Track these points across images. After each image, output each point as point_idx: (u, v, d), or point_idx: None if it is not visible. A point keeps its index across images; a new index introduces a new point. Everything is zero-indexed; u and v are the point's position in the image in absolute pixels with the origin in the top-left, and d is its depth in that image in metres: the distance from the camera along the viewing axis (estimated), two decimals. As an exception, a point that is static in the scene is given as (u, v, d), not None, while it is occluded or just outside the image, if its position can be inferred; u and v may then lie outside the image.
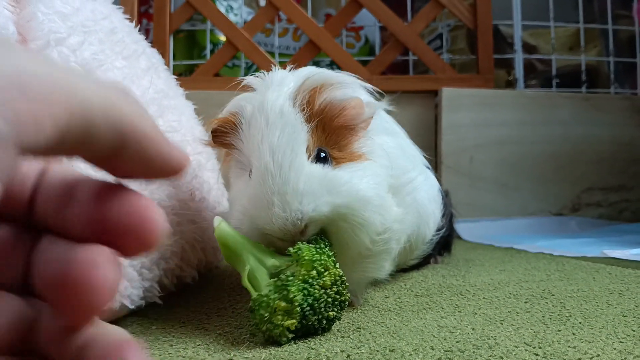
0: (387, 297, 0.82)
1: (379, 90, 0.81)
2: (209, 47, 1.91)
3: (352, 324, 0.66)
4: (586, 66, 1.97)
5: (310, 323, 0.59)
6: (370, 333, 0.62)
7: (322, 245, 0.64)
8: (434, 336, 0.59)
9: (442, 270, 1.05)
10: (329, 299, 0.60)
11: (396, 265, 0.86)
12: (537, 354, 0.52)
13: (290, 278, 0.58)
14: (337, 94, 0.69)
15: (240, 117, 0.70)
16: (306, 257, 0.59)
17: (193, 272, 0.84)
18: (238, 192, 0.71)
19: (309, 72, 0.73)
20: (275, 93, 0.69)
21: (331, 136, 0.69)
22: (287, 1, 1.77)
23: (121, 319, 0.67)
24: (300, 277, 0.59)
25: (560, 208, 1.85)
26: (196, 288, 0.87)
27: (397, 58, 1.88)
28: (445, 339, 0.58)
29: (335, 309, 0.61)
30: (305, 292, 0.58)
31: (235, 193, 0.73)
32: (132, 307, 0.65)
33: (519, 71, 1.89)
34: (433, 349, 0.55)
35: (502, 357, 0.52)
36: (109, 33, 0.70)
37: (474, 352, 0.53)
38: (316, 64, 2.01)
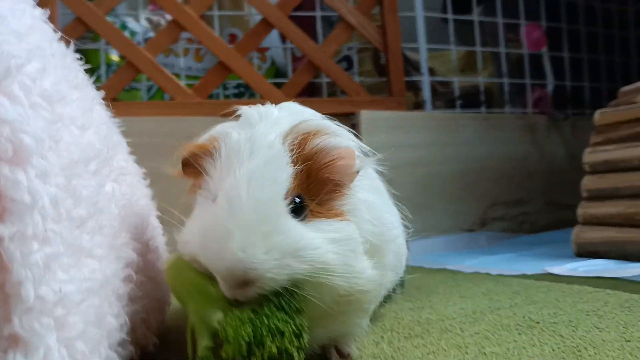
0: (378, 343, 0.76)
1: (369, 149, 0.73)
2: (103, 68, 1.73)
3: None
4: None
5: None
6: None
7: (282, 302, 0.57)
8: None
9: (404, 303, 1.01)
10: None
11: None
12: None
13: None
14: (331, 141, 0.64)
15: (222, 142, 0.63)
16: (230, 338, 0.54)
17: (154, 338, 0.71)
18: (196, 217, 0.64)
19: (307, 116, 0.69)
20: (268, 127, 0.64)
21: (314, 186, 0.63)
22: (194, 20, 1.65)
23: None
24: (224, 357, 0.54)
25: (471, 224, 1.91)
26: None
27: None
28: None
29: None
30: None
31: (192, 219, 0.64)
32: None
33: (426, 93, 1.94)
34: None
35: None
36: (62, 57, 0.57)
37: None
38: (224, 86, 1.90)
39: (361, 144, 0.72)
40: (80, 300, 0.46)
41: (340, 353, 0.69)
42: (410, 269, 1.42)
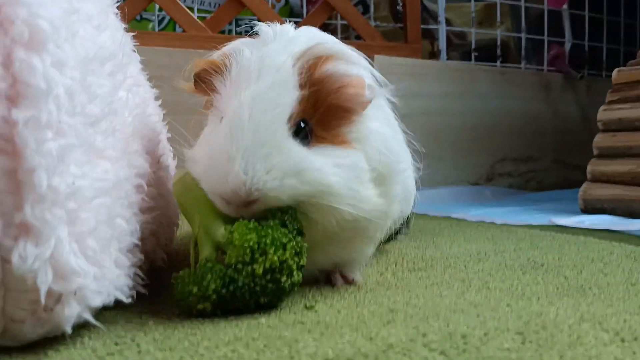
0: (382, 273, 0.76)
1: (385, 80, 0.73)
2: (115, -4, 1.69)
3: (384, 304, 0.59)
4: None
5: (231, 307, 0.56)
6: (418, 309, 0.55)
7: (286, 220, 0.58)
8: (483, 316, 0.54)
9: (409, 242, 1.02)
10: (257, 288, 0.55)
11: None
12: (606, 330, 0.49)
13: (209, 265, 0.56)
14: (342, 68, 0.63)
15: (234, 60, 0.63)
16: (236, 242, 0.55)
17: (162, 253, 0.71)
18: (204, 137, 0.65)
19: (322, 39, 0.67)
20: (281, 48, 0.63)
21: (321, 112, 0.63)
22: (209, -49, 1.60)
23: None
24: (227, 262, 0.56)
25: (477, 178, 1.91)
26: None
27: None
28: (498, 318, 0.53)
29: (268, 297, 0.56)
30: (227, 279, 0.55)
31: (201, 139, 0.66)
32: (127, 300, 0.52)
33: (442, 43, 1.90)
34: (499, 330, 0.49)
35: (579, 337, 0.48)
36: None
37: (551, 333, 0.49)
38: (237, 22, 1.87)
39: (376, 73, 0.71)
40: (93, 197, 0.46)
41: (345, 279, 0.70)
42: (415, 216, 1.43)
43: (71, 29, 0.45)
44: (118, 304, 0.52)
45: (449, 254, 0.89)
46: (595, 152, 1.44)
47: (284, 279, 0.56)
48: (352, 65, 0.65)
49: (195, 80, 0.66)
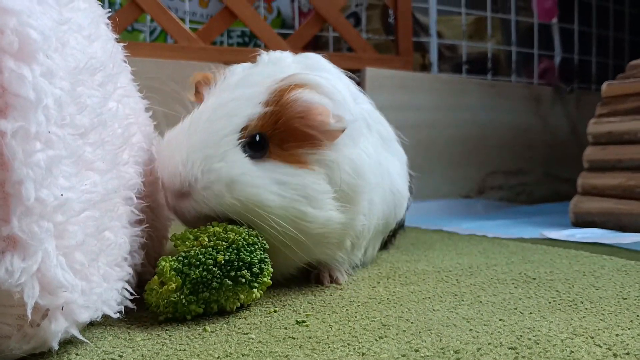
0: (374, 287, 0.75)
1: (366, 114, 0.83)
2: (106, 6, 1.68)
3: (375, 321, 0.58)
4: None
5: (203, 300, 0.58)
6: (411, 323, 0.55)
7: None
8: (475, 331, 0.54)
9: (400, 255, 1.01)
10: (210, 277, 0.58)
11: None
12: (598, 345, 0.49)
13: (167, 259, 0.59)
14: (310, 96, 0.69)
15: (224, 74, 0.72)
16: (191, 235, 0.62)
17: (151, 267, 0.70)
18: (170, 130, 0.71)
19: (305, 67, 0.76)
20: (266, 71, 0.73)
21: (281, 132, 0.68)
22: (202, -38, 1.60)
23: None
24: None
25: (468, 191, 1.91)
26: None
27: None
28: (490, 333, 0.53)
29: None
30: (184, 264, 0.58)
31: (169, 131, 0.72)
32: (115, 315, 0.51)
33: (433, 55, 1.91)
34: (492, 345, 0.49)
35: (572, 352, 0.47)
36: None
37: (544, 348, 0.48)
38: (229, 33, 1.86)
39: (352, 108, 0.77)
40: (81, 210, 0.45)
41: (331, 278, 0.78)
42: (407, 229, 1.43)
43: (61, 39, 0.45)
44: (106, 318, 0.51)
45: (441, 267, 0.89)
46: (585, 165, 1.45)
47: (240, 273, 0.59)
48: (322, 96, 0.70)
49: (195, 90, 0.76)
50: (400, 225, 1.07)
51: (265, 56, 0.78)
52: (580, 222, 1.40)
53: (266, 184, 0.65)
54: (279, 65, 0.75)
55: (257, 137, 0.66)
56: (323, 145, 0.70)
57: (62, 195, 0.43)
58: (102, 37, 0.57)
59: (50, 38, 0.42)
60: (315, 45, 2.00)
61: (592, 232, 1.27)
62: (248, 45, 1.93)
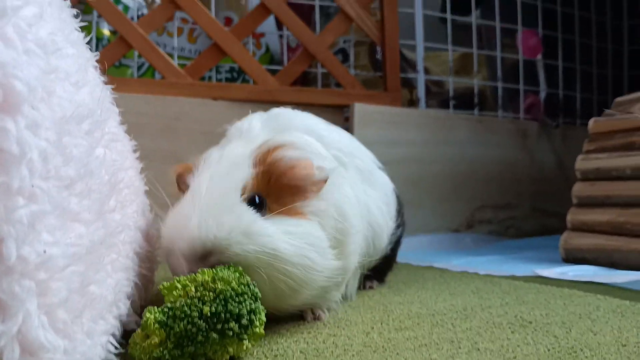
0: (368, 333, 0.73)
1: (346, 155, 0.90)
2: (94, 42, 1.68)
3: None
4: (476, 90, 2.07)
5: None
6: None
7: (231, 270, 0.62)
8: (476, 386, 0.52)
9: (393, 297, 0.99)
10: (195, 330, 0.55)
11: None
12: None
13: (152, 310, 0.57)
14: (289, 153, 0.74)
15: (202, 160, 0.76)
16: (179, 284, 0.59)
17: (137, 316, 0.67)
18: (171, 209, 0.74)
19: (277, 126, 0.85)
20: (243, 143, 0.79)
21: (275, 190, 0.73)
22: (191, 0, 1.61)
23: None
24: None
25: (457, 225, 1.90)
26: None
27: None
28: (492, 389, 0.51)
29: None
30: (169, 317, 0.56)
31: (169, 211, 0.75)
32: (98, 374, 0.49)
33: (421, 91, 1.92)
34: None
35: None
36: (59, 9, 0.53)
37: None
38: (217, 69, 1.87)
39: (327, 157, 0.83)
40: (65, 266, 0.43)
41: (313, 315, 0.81)
42: (397, 266, 1.41)
43: (48, 88, 0.43)
44: (89, 377, 0.49)
45: (434, 310, 0.87)
46: (574, 200, 1.45)
47: (228, 325, 0.56)
48: (300, 150, 0.76)
49: (177, 183, 0.79)
50: (386, 258, 1.07)
51: (234, 129, 0.86)
52: (571, 258, 1.40)
53: (277, 233, 0.68)
54: (251, 135, 0.82)
55: (256, 199, 0.71)
56: (312, 196, 0.75)
57: (45, 251, 0.40)
58: (90, 83, 0.55)
59: (36, 88, 0.40)
60: (303, 80, 2.01)
61: (584, 269, 1.26)
62: (237, 80, 1.94)
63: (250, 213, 0.68)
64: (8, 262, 0.38)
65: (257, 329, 0.59)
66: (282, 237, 0.68)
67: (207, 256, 0.65)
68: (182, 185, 0.77)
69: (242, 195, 0.70)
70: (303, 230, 0.71)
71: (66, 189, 0.45)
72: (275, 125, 0.85)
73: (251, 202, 0.70)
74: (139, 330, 0.56)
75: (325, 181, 0.76)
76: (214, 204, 0.67)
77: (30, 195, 0.39)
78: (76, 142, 0.47)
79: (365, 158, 1.00)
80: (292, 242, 0.69)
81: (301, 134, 0.84)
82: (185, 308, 0.55)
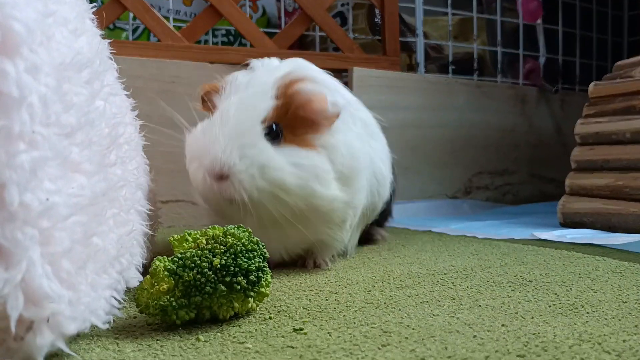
0: (370, 290, 0.73)
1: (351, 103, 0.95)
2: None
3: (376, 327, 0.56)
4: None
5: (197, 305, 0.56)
6: (412, 329, 0.53)
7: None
8: (480, 337, 0.52)
9: (393, 258, 0.99)
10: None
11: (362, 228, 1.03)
12: (607, 352, 0.47)
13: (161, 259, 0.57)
14: (309, 87, 0.81)
15: (229, 82, 0.83)
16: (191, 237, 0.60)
17: (138, 273, 0.67)
18: (199, 125, 0.82)
19: (296, 66, 0.88)
20: (266, 72, 0.84)
21: (292, 120, 0.80)
22: (186, -41, 1.57)
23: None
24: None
25: (455, 191, 1.90)
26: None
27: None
28: (496, 340, 0.51)
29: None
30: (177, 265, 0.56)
31: (197, 127, 0.82)
32: (104, 326, 0.48)
33: (420, 56, 1.90)
34: (499, 352, 0.47)
35: (582, 359, 0.46)
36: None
37: (553, 355, 0.47)
38: (213, 32, 1.83)
39: (340, 98, 0.89)
40: (68, 215, 0.42)
41: (314, 263, 0.88)
42: (395, 230, 1.41)
43: (47, 32, 0.42)
44: (93, 329, 0.49)
45: (435, 270, 0.87)
46: (573, 165, 1.45)
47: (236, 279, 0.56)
48: (318, 85, 0.83)
49: (202, 100, 0.86)
50: (388, 211, 1.17)
51: (258, 62, 0.89)
52: (569, 222, 1.40)
53: (286, 167, 0.76)
54: (273, 67, 0.87)
55: (274, 127, 0.78)
56: (324, 130, 0.81)
57: (47, 199, 0.40)
58: (88, 32, 0.54)
59: (35, 31, 0.39)
60: (301, 44, 1.98)
61: (582, 232, 1.26)
62: (233, 44, 1.90)
63: (268, 148, 0.76)
64: (10, 207, 0.37)
65: (263, 289, 0.59)
66: (290, 169, 0.76)
67: (224, 178, 0.74)
68: (209, 102, 0.83)
69: (263, 123, 0.77)
70: (309, 162, 0.78)
71: (67, 137, 0.44)
72: (293, 65, 0.89)
73: (269, 130, 0.78)
74: (147, 277, 0.56)
75: (337, 116, 0.82)
76: (239, 133, 0.75)
77: (31, 141, 0.38)
78: (76, 90, 0.46)
79: (368, 113, 1.06)
80: (298, 173, 0.77)
81: (320, 72, 0.91)
82: (196, 258, 0.55)
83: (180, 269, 0.54)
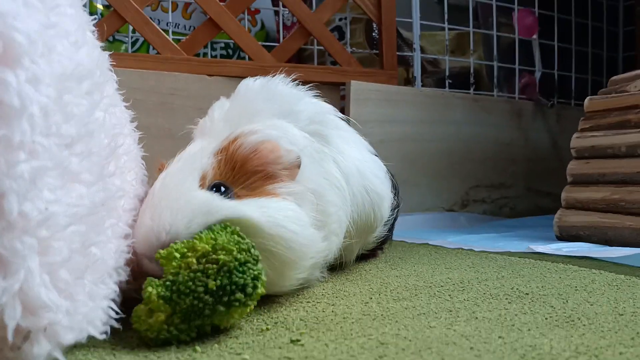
0: (367, 302, 0.73)
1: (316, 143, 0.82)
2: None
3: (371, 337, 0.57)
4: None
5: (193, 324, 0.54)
6: (409, 341, 0.53)
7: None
8: (477, 349, 0.52)
9: (390, 270, 1.00)
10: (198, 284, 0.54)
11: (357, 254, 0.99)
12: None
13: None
14: (252, 139, 0.70)
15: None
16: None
17: (136, 285, 0.67)
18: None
19: (239, 129, 0.73)
20: (205, 139, 0.76)
21: (241, 176, 0.68)
22: (185, -27, 1.59)
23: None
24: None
25: (452, 204, 1.91)
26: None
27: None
28: (493, 352, 0.51)
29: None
30: (168, 282, 0.54)
31: None
32: (101, 337, 0.48)
33: (417, 70, 1.91)
34: (496, 367, 0.47)
35: (579, 372, 0.46)
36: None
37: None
38: (212, 45, 1.85)
39: (299, 138, 0.78)
40: (66, 224, 0.43)
41: None
42: (392, 242, 1.41)
43: (48, 43, 0.42)
44: (90, 339, 0.49)
45: (432, 282, 0.88)
46: (569, 178, 1.46)
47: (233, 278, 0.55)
48: (262, 135, 0.71)
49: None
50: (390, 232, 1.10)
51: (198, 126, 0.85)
52: (565, 235, 1.41)
53: (245, 205, 0.64)
54: (213, 131, 0.78)
55: (221, 187, 0.66)
56: (286, 180, 0.70)
57: (46, 208, 0.40)
58: (88, 44, 0.54)
59: (36, 42, 0.39)
60: (299, 58, 1.99)
61: (578, 245, 1.27)
62: (232, 57, 1.92)
63: (207, 193, 0.64)
64: (10, 217, 0.37)
65: (259, 290, 0.58)
66: (253, 209, 0.64)
67: (167, 245, 0.59)
68: None
69: (200, 184, 0.65)
70: (276, 205, 0.66)
71: (67, 147, 0.44)
72: (239, 114, 0.79)
73: (215, 191, 0.66)
74: (141, 305, 0.55)
75: (299, 166, 0.72)
76: (166, 196, 0.62)
77: (31, 151, 0.39)
78: (76, 101, 0.46)
79: (354, 134, 1.00)
80: (266, 213, 0.64)
81: (268, 117, 0.79)
82: (190, 283, 0.53)
83: (176, 295, 0.53)
